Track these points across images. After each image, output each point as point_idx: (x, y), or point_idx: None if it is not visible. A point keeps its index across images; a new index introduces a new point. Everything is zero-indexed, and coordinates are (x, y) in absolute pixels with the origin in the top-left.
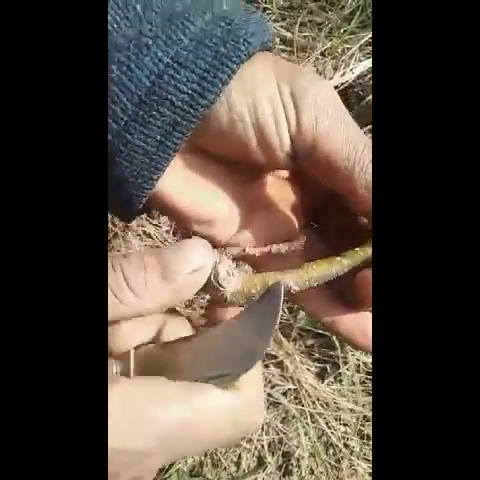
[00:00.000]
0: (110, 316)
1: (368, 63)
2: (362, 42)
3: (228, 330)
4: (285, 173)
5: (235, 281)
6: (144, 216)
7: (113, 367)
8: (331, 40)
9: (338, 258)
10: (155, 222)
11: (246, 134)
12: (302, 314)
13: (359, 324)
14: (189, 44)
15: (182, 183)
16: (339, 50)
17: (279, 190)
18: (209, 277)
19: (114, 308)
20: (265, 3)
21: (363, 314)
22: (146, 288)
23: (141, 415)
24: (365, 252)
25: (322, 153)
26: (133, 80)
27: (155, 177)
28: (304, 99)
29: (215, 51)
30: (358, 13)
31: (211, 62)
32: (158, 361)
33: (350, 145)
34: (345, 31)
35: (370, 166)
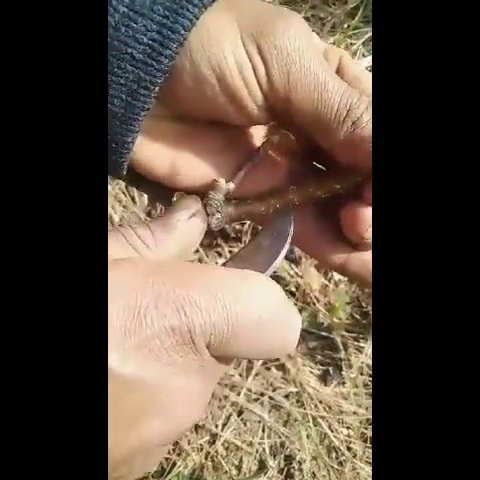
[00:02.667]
0: None
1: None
2: (366, 37)
3: (255, 241)
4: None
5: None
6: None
7: None
8: (334, 35)
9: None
10: None
11: (214, 93)
12: (304, 316)
13: (365, 262)
14: None
15: (166, 151)
16: (342, 45)
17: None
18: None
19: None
20: None
21: (368, 253)
22: (154, 239)
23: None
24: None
25: (297, 106)
26: None
27: (129, 139)
28: (272, 53)
29: None
30: (362, 8)
31: (170, 7)
32: None
33: (326, 96)
34: (348, 26)
35: (349, 118)
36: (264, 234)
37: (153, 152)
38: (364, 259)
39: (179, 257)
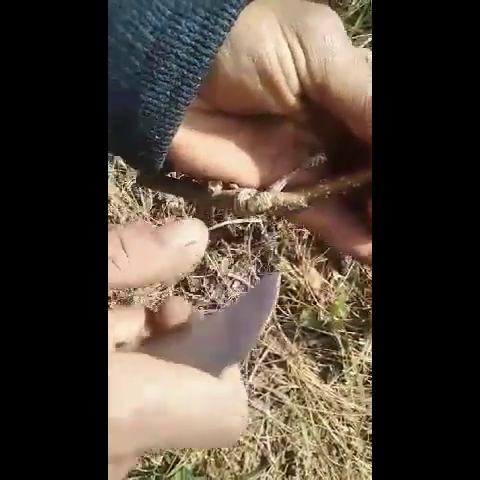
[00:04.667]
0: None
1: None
2: (366, 43)
3: (227, 314)
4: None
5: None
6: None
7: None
8: None
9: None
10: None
11: (254, 83)
12: (305, 314)
13: None
14: None
15: (204, 145)
16: None
17: (299, 135)
18: (235, 200)
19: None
20: None
21: None
22: (141, 252)
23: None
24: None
25: (332, 95)
26: (138, 37)
27: (170, 132)
28: (311, 41)
29: None
30: (362, 14)
31: (210, 8)
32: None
33: (360, 86)
34: (349, 32)
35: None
36: (244, 302)
37: (191, 145)
38: None
39: (160, 275)
